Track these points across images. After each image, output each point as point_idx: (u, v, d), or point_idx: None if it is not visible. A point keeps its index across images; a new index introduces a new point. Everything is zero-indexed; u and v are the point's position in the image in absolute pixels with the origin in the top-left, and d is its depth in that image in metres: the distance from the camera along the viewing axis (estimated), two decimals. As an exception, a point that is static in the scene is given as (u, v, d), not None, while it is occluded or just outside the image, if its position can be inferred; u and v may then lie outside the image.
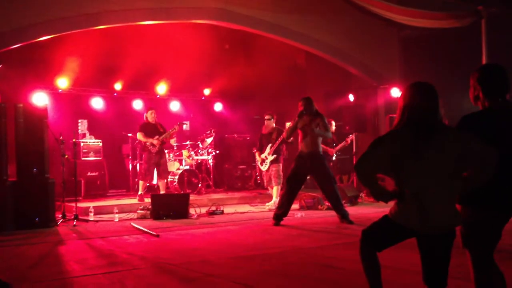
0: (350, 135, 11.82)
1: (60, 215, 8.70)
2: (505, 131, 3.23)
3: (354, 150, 13.61)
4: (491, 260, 3.24)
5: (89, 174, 11.59)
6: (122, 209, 9.71)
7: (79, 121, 12.23)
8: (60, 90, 12.12)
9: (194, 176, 11.95)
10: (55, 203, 8.63)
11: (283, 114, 12.55)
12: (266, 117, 10.76)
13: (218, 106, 14.74)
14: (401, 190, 3.18)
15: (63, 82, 12.01)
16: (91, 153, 11.82)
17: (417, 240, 3.24)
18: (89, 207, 9.31)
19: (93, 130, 12.29)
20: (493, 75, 3.33)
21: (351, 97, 13.56)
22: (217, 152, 13.06)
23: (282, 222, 8.25)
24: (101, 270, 5.25)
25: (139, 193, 10.82)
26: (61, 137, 8.80)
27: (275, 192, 10.44)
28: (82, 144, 11.66)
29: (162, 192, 10.88)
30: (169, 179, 11.80)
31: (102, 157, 11.96)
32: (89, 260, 5.78)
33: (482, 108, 3.32)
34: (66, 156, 8.99)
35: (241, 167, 13.63)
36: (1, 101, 8.60)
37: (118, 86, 12.98)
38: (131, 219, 9.04)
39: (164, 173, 11.00)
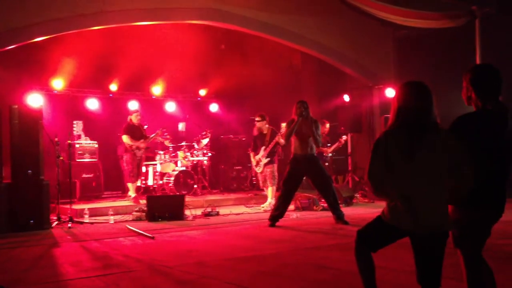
0: (344, 136, 11.83)
1: (55, 217, 8.68)
2: (498, 131, 3.25)
3: (349, 151, 13.64)
4: (482, 259, 3.27)
5: (84, 175, 11.55)
6: (117, 211, 9.68)
7: (74, 122, 12.18)
8: (55, 91, 12.08)
9: (190, 177, 11.94)
10: (50, 205, 8.61)
11: (279, 115, 12.55)
12: (257, 118, 10.73)
13: (213, 107, 14.73)
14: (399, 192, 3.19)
15: (58, 83, 11.98)
16: (86, 155, 11.79)
17: (410, 240, 3.25)
18: (84, 209, 9.30)
19: (89, 132, 12.25)
20: (485, 76, 3.34)
21: (346, 97, 13.57)
22: (213, 153, 13.06)
23: (277, 223, 8.25)
24: (96, 272, 5.24)
25: (133, 195, 10.83)
26: (56, 139, 8.78)
27: (270, 193, 10.44)
28: (77, 145, 11.64)
29: (131, 194, 10.90)
30: (164, 180, 11.79)
31: (98, 159, 11.93)
32: (84, 263, 5.77)
33: (476, 109, 3.33)
34: (61, 158, 8.97)
35: (236, 168, 13.63)
36: (-5, 102, 8.59)
37: (113, 87, 12.96)
38: (126, 221, 9.03)
39: (140, 175, 11.20)
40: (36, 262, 5.92)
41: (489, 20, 11.23)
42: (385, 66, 13.26)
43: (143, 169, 11.86)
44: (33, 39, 9.29)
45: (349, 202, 10.89)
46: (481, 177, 3.15)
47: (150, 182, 12.05)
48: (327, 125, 11.45)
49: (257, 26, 11.25)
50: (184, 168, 12.01)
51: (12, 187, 8.19)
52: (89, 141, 11.96)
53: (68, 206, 8.91)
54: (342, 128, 12.75)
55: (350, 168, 13.50)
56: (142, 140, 10.88)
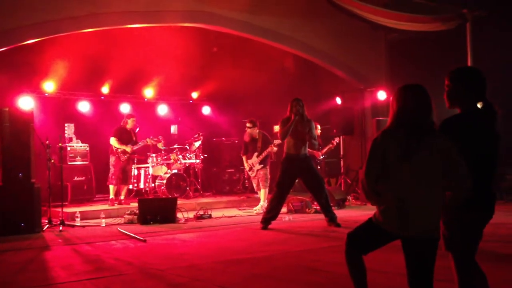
0: (336, 138, 11.85)
1: (46, 221, 8.61)
2: (486, 132, 3.27)
3: (341, 153, 13.67)
4: (473, 262, 3.27)
5: (75, 178, 11.49)
6: (109, 214, 9.66)
7: (66, 125, 12.10)
8: (46, 94, 12.01)
9: (182, 180, 11.91)
10: (41, 208, 8.56)
11: (271, 118, 12.57)
12: (248, 125, 10.65)
13: (206, 110, 14.71)
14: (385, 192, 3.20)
15: (49, 86, 11.90)
16: (78, 158, 11.73)
17: (402, 244, 3.25)
18: (76, 212, 9.25)
19: (80, 134, 12.18)
20: (473, 76, 3.36)
21: (338, 100, 13.62)
22: (205, 155, 13.04)
23: (269, 226, 8.23)
24: (87, 276, 5.22)
25: (110, 197, 10.83)
26: (47, 142, 8.73)
27: (262, 195, 10.44)
28: (68, 148, 11.56)
29: (122, 197, 10.94)
30: (157, 183, 11.76)
31: (89, 162, 11.87)
32: (75, 266, 5.74)
33: (461, 111, 3.34)
34: (52, 161, 8.91)
35: (229, 170, 13.63)
36: (-14, 105, 8.53)
37: (105, 89, 12.90)
38: (118, 224, 8.99)
39: (128, 179, 11.20)
40: (27, 265, 5.88)
41: (480, 23, 11.32)
42: (377, 69, 13.32)
43: (135, 171, 11.84)
44: (24, 41, 9.25)
45: (341, 204, 10.91)
46: (472, 179, 3.17)
47: (142, 185, 12.01)
48: (319, 128, 11.46)
49: (249, 29, 11.27)
50: (176, 171, 11.98)
51: (2, 190, 8.13)
52: (80, 144, 11.89)
53: (59, 209, 8.85)
54: (334, 130, 12.77)
55: (342, 171, 13.53)
56: (129, 145, 10.90)
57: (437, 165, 3.12)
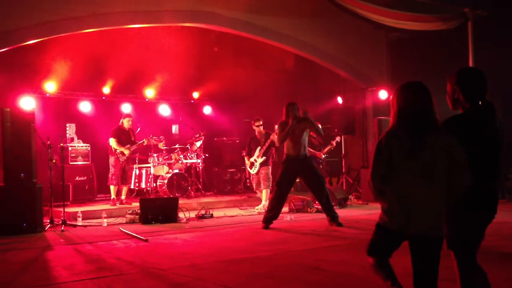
0: (337, 137, 11.84)
1: (48, 220, 8.63)
2: (488, 131, 3.27)
3: (343, 153, 13.68)
4: (475, 261, 3.27)
5: (77, 178, 11.52)
6: (110, 214, 9.67)
7: (67, 125, 12.12)
8: (47, 94, 12.02)
9: (184, 180, 11.91)
10: (42, 208, 8.56)
11: (272, 117, 12.56)
12: (259, 123, 10.63)
13: (207, 109, 14.70)
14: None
15: (50, 86, 11.91)
16: (79, 158, 11.75)
17: (408, 243, 3.25)
18: (77, 212, 9.27)
19: (81, 134, 12.20)
20: (472, 77, 3.37)
21: (339, 100, 13.62)
22: (207, 155, 13.04)
23: (271, 225, 8.24)
24: (89, 275, 5.22)
25: (122, 197, 10.90)
26: (48, 142, 8.73)
27: (264, 195, 10.43)
28: (70, 148, 11.58)
29: (123, 197, 10.95)
30: (158, 183, 11.77)
31: (90, 162, 11.89)
32: (77, 266, 5.74)
33: (463, 111, 3.35)
34: (54, 161, 8.91)
35: (230, 170, 13.63)
36: (-13, 105, 8.54)
37: (106, 89, 12.91)
38: (119, 223, 9.00)
39: (129, 178, 11.23)
40: (29, 265, 5.89)
41: (482, 22, 11.31)
42: (378, 69, 13.31)
43: (136, 171, 11.85)
44: (25, 41, 9.27)
45: (343, 204, 10.90)
46: (474, 178, 3.17)
47: (143, 184, 12.02)
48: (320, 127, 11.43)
49: (250, 28, 11.27)
50: (177, 171, 11.98)
51: (4, 190, 8.14)
52: (82, 144, 11.91)
53: (61, 209, 8.86)
54: (336, 130, 12.77)
55: (344, 170, 13.53)
56: (127, 146, 10.93)
57: (440, 163, 3.11)
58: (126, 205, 10.63)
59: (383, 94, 12.68)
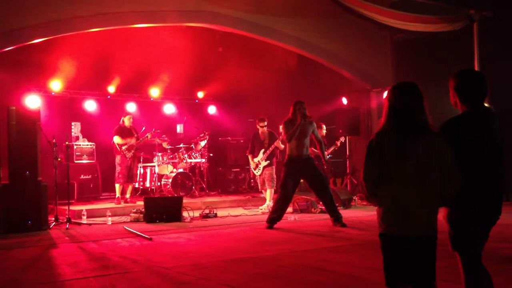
0: (341, 138, 11.83)
1: (53, 218, 8.67)
2: (484, 133, 3.27)
3: (347, 153, 13.67)
4: (480, 262, 3.27)
5: (82, 177, 11.57)
6: (115, 212, 9.70)
7: (72, 123, 12.18)
8: (53, 93, 12.08)
9: (188, 179, 11.94)
10: (47, 206, 8.60)
11: (277, 117, 12.55)
12: (263, 124, 10.62)
13: (211, 109, 14.74)
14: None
15: (56, 85, 11.97)
16: (84, 156, 11.81)
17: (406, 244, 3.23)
18: (82, 210, 9.31)
19: (86, 133, 12.26)
20: (468, 81, 3.37)
21: (344, 101, 13.61)
22: (211, 155, 13.06)
23: (275, 225, 8.24)
24: (93, 273, 5.24)
25: (117, 196, 10.93)
26: (54, 140, 8.78)
27: (268, 195, 10.45)
28: (75, 147, 11.64)
29: (128, 196, 11.00)
30: (162, 182, 11.80)
31: (95, 160, 11.94)
32: (81, 264, 5.77)
33: (463, 112, 3.36)
34: (59, 159, 8.96)
35: (234, 170, 13.64)
36: (-7, 103, 8.59)
37: (111, 89, 12.97)
38: (124, 222, 9.03)
39: (134, 177, 11.30)
40: (33, 263, 5.92)
41: (487, 23, 11.28)
42: (383, 70, 13.29)
43: (141, 170, 11.89)
44: (31, 40, 9.31)
45: (347, 204, 10.90)
46: (474, 179, 3.18)
47: (148, 183, 12.05)
48: (324, 128, 11.44)
49: (255, 28, 11.27)
50: (182, 170, 12.01)
51: (9, 188, 8.17)
52: (87, 143, 11.98)
53: (66, 207, 8.91)
54: (340, 131, 12.76)
55: (348, 171, 13.52)
56: (133, 137, 10.99)
57: (431, 163, 3.10)
58: (131, 204, 10.68)
59: (388, 95, 12.65)
